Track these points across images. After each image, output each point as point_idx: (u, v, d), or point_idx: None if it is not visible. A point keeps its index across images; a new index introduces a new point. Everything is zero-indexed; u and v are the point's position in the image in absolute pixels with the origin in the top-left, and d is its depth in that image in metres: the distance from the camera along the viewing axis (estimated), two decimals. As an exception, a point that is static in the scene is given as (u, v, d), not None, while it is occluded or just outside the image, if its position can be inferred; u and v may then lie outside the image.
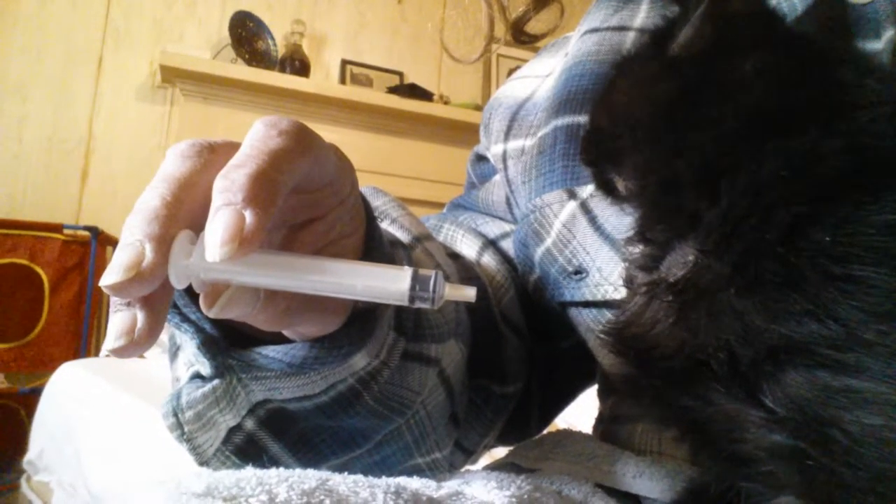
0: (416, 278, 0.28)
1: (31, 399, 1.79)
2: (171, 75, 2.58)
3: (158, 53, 2.55)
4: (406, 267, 0.28)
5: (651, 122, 0.34)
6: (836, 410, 0.27)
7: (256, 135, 0.28)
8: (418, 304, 0.28)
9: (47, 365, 1.99)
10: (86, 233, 2.25)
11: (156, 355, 1.53)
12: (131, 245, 0.26)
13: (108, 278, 0.25)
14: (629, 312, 0.34)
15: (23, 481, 1.55)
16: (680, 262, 0.32)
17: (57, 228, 2.20)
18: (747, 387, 0.29)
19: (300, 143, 0.29)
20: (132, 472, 1.05)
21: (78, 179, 2.56)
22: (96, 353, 2.25)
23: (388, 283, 0.28)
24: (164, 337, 0.42)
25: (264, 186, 0.26)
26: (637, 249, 0.36)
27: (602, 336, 0.36)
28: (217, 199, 0.26)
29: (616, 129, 0.36)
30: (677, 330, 0.31)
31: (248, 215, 0.25)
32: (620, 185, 0.37)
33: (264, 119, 0.29)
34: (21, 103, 2.51)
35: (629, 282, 0.36)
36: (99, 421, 1.27)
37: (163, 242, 0.26)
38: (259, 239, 0.25)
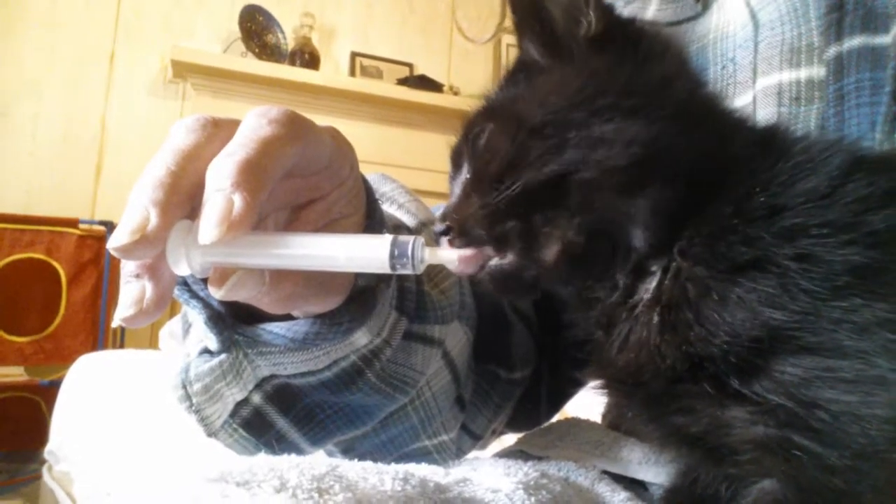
0: (395, 244, 0.28)
1: (50, 391, 1.81)
2: (183, 70, 2.59)
3: (169, 49, 2.57)
4: (386, 235, 0.29)
5: None
6: (818, 391, 0.28)
7: (247, 124, 0.30)
8: (400, 271, 0.29)
9: (66, 358, 2.02)
10: (101, 227, 2.27)
11: (171, 348, 1.55)
12: (137, 210, 0.27)
13: (116, 240, 0.26)
14: (616, 342, 0.35)
15: (44, 471, 1.58)
16: (655, 279, 0.33)
17: (73, 223, 2.23)
18: (739, 377, 0.30)
19: (290, 130, 0.30)
20: (149, 462, 1.07)
21: (92, 175, 2.59)
22: (114, 346, 2.28)
23: (368, 252, 0.29)
24: (179, 329, 0.43)
25: (252, 173, 0.27)
26: (611, 290, 0.36)
27: (593, 374, 0.38)
28: (209, 185, 0.27)
29: None
30: (672, 343, 0.32)
31: (237, 200, 0.26)
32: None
33: (256, 109, 0.31)
34: (35, 100, 2.53)
35: (606, 324, 0.36)
36: (117, 411, 1.30)
37: (167, 208, 0.27)
38: (248, 221, 0.27)
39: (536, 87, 0.38)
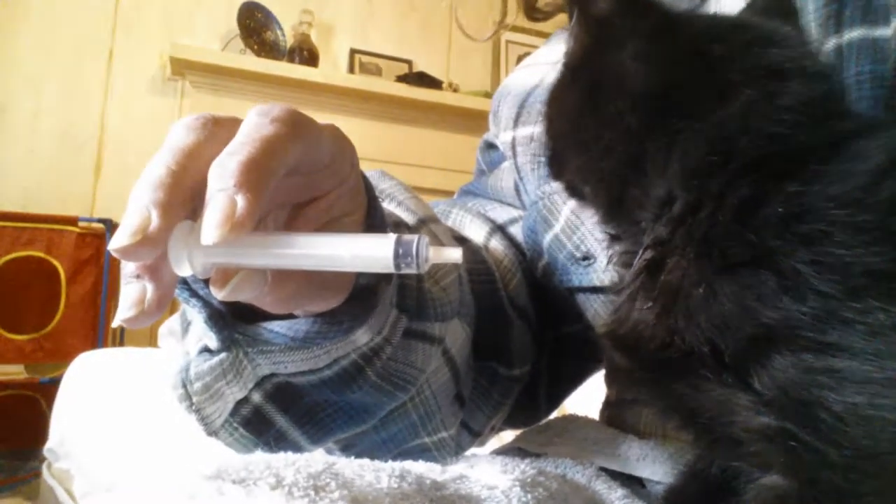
0: (399, 244, 0.28)
1: (50, 389, 1.81)
2: (181, 67, 2.59)
3: (168, 46, 2.56)
4: (390, 234, 0.29)
5: (569, 131, 0.37)
6: (821, 391, 0.27)
7: (249, 123, 0.29)
8: (404, 270, 0.28)
9: (66, 356, 2.01)
10: (100, 225, 2.27)
11: (170, 345, 1.55)
12: (138, 211, 0.27)
13: (117, 242, 0.26)
14: (618, 315, 0.35)
15: (44, 468, 1.58)
16: (646, 260, 0.33)
17: (72, 221, 2.23)
18: (735, 374, 0.29)
19: (292, 129, 0.30)
20: (148, 459, 1.07)
21: (91, 172, 2.58)
22: (113, 344, 2.28)
23: (372, 251, 0.28)
24: (178, 327, 0.43)
25: (255, 172, 0.27)
26: (616, 248, 0.37)
27: (600, 336, 0.37)
28: (211, 185, 0.27)
29: (555, 144, 0.40)
30: (659, 331, 0.32)
31: (240, 200, 0.26)
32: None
33: (257, 107, 0.30)
34: (34, 97, 2.53)
35: (620, 281, 0.37)
36: (116, 409, 1.30)
37: (168, 209, 0.27)
38: (251, 221, 0.26)
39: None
